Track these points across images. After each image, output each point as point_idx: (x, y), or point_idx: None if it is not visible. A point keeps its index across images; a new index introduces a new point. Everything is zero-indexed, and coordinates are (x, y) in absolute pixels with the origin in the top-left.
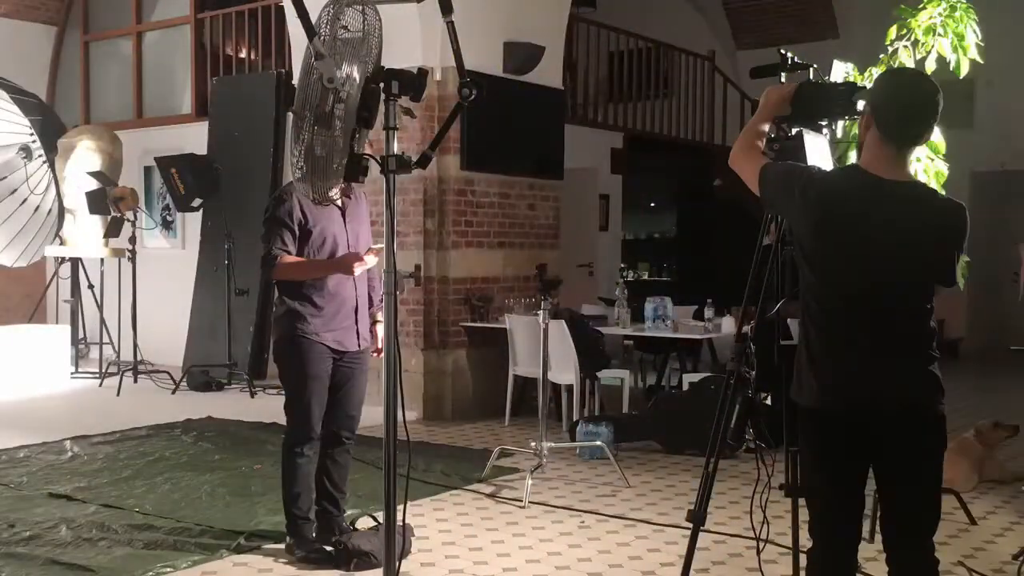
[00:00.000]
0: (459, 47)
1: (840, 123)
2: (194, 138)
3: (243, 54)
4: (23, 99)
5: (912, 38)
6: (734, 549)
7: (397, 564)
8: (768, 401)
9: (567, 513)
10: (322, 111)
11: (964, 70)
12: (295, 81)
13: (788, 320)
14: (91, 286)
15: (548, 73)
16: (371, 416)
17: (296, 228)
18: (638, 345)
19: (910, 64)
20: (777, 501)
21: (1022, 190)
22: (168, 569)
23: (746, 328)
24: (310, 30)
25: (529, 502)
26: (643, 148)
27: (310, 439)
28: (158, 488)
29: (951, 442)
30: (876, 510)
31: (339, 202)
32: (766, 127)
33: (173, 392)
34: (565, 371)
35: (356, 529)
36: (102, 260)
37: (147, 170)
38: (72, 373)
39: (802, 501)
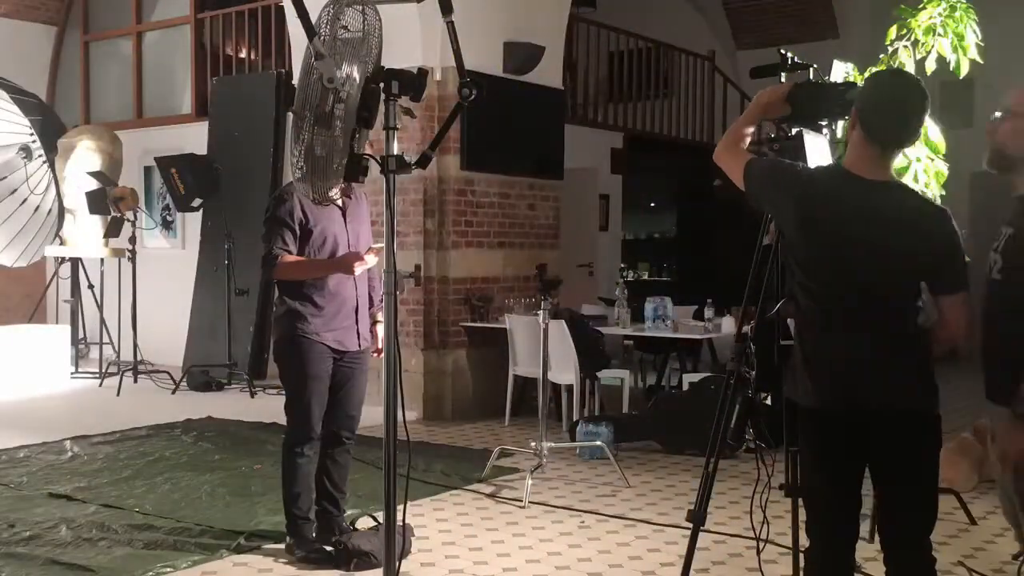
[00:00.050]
0: (459, 47)
1: (840, 123)
2: (194, 138)
3: (243, 54)
4: (23, 99)
5: (912, 38)
6: (734, 549)
7: (397, 564)
8: (768, 401)
9: (567, 513)
10: (322, 111)
11: (964, 70)
12: (295, 81)
13: (788, 320)
14: (91, 286)
15: (548, 73)
16: (371, 416)
17: (297, 228)
18: (638, 345)
19: (910, 64)
20: (777, 501)
21: None
22: (168, 569)
23: (746, 328)
24: (310, 30)
25: (529, 502)
26: (643, 148)
27: (310, 439)
28: (158, 488)
29: (951, 442)
30: (875, 510)
31: (339, 202)
32: (751, 128)
33: (173, 392)
34: (565, 371)
35: (356, 529)
36: (102, 260)
37: (147, 170)
38: (72, 373)
39: (802, 501)
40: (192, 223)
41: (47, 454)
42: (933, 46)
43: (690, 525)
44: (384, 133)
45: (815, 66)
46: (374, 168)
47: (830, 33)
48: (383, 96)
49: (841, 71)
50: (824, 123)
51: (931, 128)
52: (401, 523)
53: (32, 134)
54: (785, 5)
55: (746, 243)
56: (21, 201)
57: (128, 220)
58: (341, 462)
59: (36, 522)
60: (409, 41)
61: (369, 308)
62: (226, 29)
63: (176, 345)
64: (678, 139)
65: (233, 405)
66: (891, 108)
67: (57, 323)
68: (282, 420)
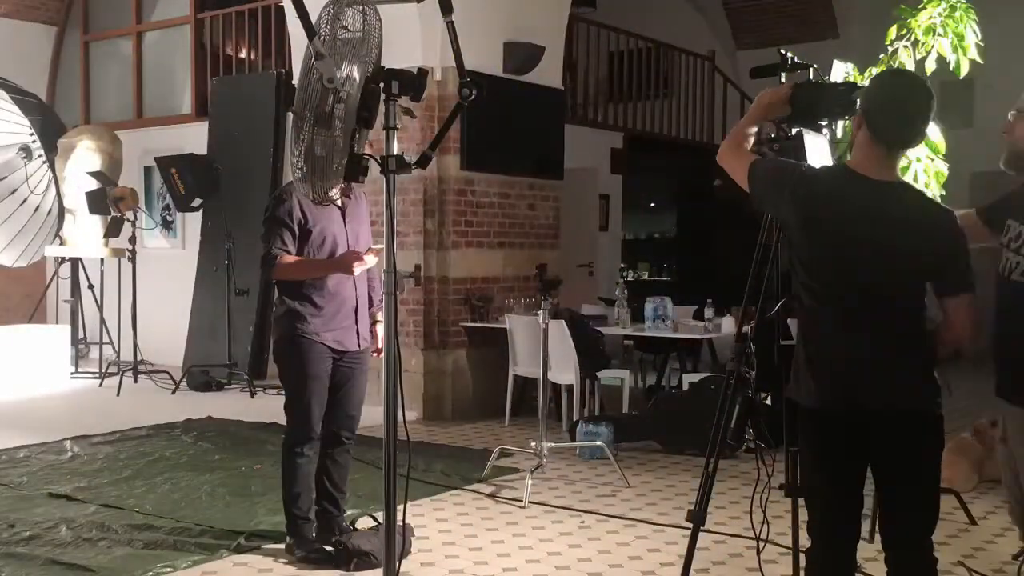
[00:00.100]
0: (459, 47)
1: (840, 123)
2: (194, 138)
3: (243, 54)
4: (23, 99)
5: (912, 38)
6: (734, 549)
7: (397, 564)
8: (768, 401)
9: (567, 513)
10: (322, 111)
11: (964, 70)
12: (295, 81)
13: (788, 320)
14: (91, 286)
15: (548, 73)
16: (371, 416)
17: (296, 228)
18: (638, 345)
19: (910, 64)
20: (777, 501)
21: None
22: (168, 569)
23: (746, 328)
24: (310, 30)
25: (529, 502)
26: (643, 148)
27: (310, 439)
28: (158, 488)
29: (951, 442)
30: (876, 510)
31: (339, 202)
32: (754, 129)
33: (173, 392)
34: (565, 371)
35: (356, 529)
36: (102, 260)
37: (147, 170)
38: (72, 373)
39: (802, 501)
40: (192, 223)
41: (47, 454)
42: (933, 46)
43: (690, 525)
44: (384, 133)
45: (815, 66)
46: (374, 168)
47: (830, 33)
48: (383, 96)
49: (841, 71)
50: (824, 123)
51: (931, 128)
52: (401, 523)
53: (32, 134)
54: (785, 5)
55: (746, 243)
56: (21, 201)
57: (128, 220)
58: (341, 462)
59: (36, 522)
60: (409, 41)
61: (369, 308)
62: (226, 29)
63: (176, 345)
64: (678, 139)
65: (233, 405)
66: (897, 108)
67: (57, 323)
68: (282, 420)
